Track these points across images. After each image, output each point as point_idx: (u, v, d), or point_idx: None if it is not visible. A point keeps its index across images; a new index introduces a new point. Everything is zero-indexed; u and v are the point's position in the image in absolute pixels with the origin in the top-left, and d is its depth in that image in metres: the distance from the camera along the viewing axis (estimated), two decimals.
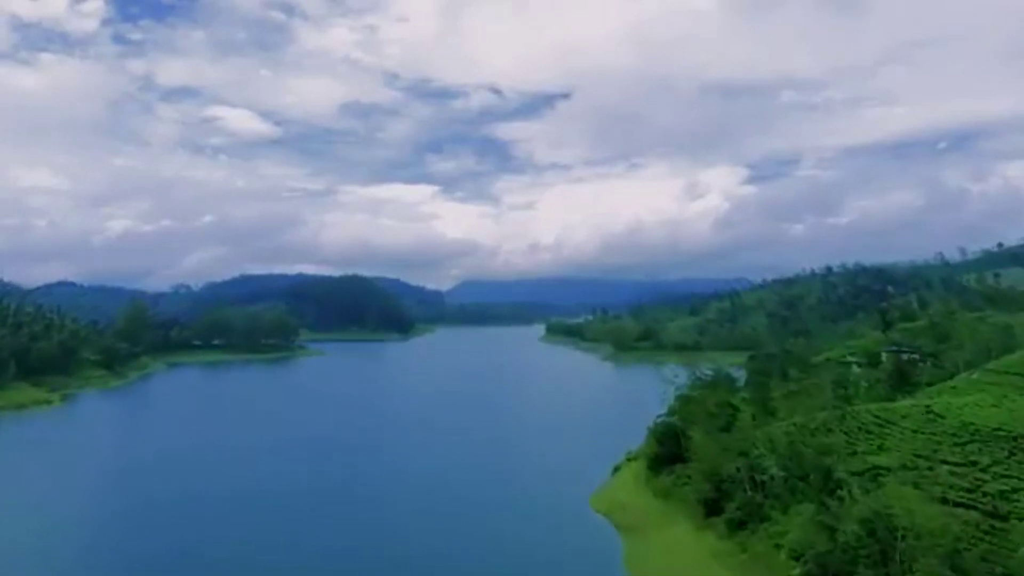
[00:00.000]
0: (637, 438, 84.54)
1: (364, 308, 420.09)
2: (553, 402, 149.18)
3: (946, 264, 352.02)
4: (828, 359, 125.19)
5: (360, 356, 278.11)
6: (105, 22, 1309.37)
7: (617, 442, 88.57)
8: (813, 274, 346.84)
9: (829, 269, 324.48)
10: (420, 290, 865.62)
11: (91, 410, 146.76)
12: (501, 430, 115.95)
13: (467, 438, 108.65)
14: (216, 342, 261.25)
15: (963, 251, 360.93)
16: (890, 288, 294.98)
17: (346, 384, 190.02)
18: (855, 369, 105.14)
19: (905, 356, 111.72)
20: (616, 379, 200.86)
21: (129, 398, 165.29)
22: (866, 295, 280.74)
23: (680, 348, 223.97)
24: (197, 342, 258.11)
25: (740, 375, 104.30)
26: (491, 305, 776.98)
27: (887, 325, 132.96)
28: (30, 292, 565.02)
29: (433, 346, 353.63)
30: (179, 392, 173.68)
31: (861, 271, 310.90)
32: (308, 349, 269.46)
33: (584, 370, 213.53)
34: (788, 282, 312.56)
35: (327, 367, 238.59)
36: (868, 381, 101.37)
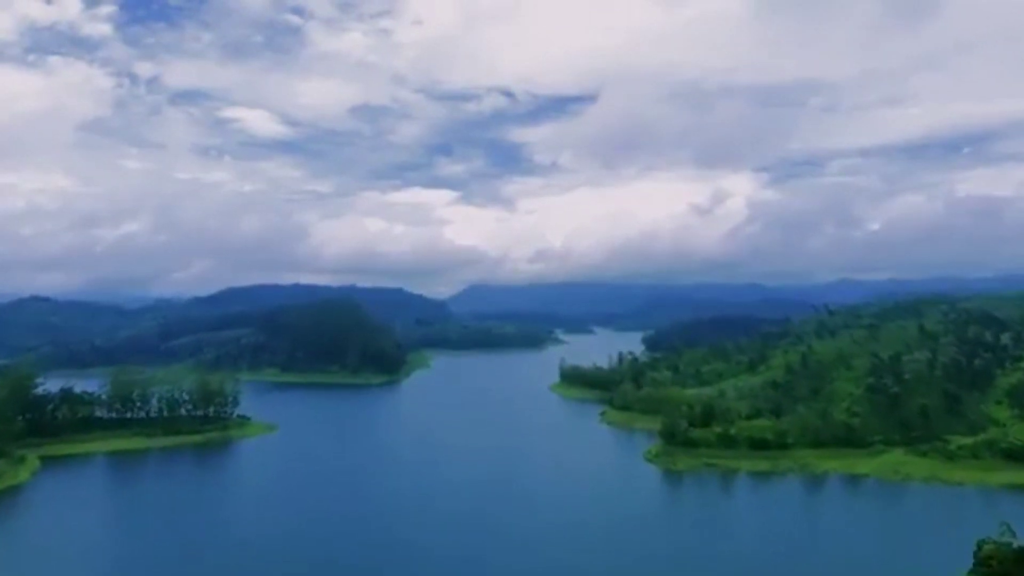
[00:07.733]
0: None
1: (347, 341, 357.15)
2: None
3: None
4: None
5: (321, 431, 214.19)
6: (117, 25, 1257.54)
7: None
8: (896, 307, 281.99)
9: (918, 310, 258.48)
10: (420, 300, 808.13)
11: None
12: None
13: None
14: (130, 415, 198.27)
15: None
16: (1004, 339, 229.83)
17: (284, 508, 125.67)
18: None
19: None
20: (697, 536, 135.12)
21: None
22: (980, 352, 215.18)
23: (758, 446, 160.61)
24: (104, 415, 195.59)
25: None
26: (497, 318, 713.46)
27: None
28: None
29: (421, 399, 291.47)
30: None
31: (965, 315, 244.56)
32: (250, 424, 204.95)
33: (645, 503, 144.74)
34: (872, 328, 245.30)
35: (268, 459, 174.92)
36: None
